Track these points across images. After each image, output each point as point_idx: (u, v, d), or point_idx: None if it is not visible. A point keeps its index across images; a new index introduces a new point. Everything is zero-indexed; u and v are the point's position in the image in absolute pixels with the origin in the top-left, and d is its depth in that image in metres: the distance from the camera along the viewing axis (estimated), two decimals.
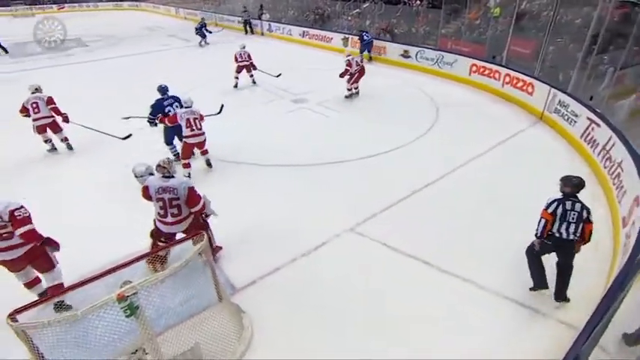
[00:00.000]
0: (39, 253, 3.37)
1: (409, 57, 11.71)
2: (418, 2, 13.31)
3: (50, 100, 6.21)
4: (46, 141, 6.52)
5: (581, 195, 3.40)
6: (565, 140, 6.71)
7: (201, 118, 5.76)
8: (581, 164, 5.90)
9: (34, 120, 6.18)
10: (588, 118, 6.04)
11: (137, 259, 2.87)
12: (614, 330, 2.65)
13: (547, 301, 3.48)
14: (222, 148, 6.54)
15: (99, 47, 16.60)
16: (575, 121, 6.47)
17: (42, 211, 3.71)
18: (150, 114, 5.96)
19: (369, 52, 12.51)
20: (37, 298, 3.52)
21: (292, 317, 3.46)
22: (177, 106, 5.93)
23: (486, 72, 9.51)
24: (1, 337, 2.85)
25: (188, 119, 5.55)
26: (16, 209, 3.22)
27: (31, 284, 3.53)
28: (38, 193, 5.31)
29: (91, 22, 24.20)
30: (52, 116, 6.27)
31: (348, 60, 8.76)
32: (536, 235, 3.39)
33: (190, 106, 5.69)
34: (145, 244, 3.92)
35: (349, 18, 15.25)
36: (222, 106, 6.38)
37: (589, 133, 5.96)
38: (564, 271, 3.36)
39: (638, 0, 6.68)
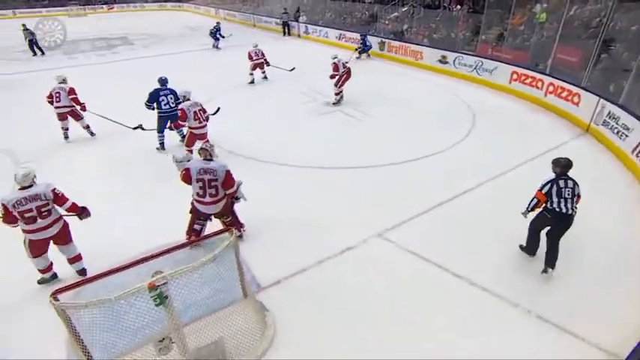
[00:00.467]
0: (63, 231, 3.72)
1: (447, 63, 11.45)
2: (459, 7, 13.02)
3: (71, 91, 6.73)
4: (63, 128, 7.08)
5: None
6: (613, 155, 6.32)
7: (203, 109, 6.07)
8: (631, 180, 5.53)
9: (56, 108, 6.78)
10: None
11: (168, 251, 2.96)
12: None
13: (591, 327, 3.29)
14: (253, 147, 6.67)
15: (142, 46, 17.39)
16: (626, 135, 6.08)
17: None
18: (146, 101, 6.45)
19: (366, 53, 13.73)
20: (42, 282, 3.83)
21: (315, 318, 3.46)
22: (171, 98, 6.44)
23: (528, 80, 9.13)
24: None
25: (195, 112, 5.90)
26: (55, 188, 3.59)
27: (47, 270, 3.81)
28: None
29: (137, 22, 25.40)
30: (73, 105, 6.80)
31: (335, 63, 8.62)
32: (526, 209, 3.90)
33: (190, 98, 6.03)
34: (166, 238, 4.04)
35: (387, 22, 15.14)
36: (219, 108, 6.56)
37: None
38: (556, 243, 3.80)
39: None
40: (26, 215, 3.44)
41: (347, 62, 8.98)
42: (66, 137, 7.17)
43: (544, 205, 3.78)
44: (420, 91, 10.11)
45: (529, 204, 3.88)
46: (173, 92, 6.53)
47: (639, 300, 3.60)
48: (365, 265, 4.09)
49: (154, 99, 6.43)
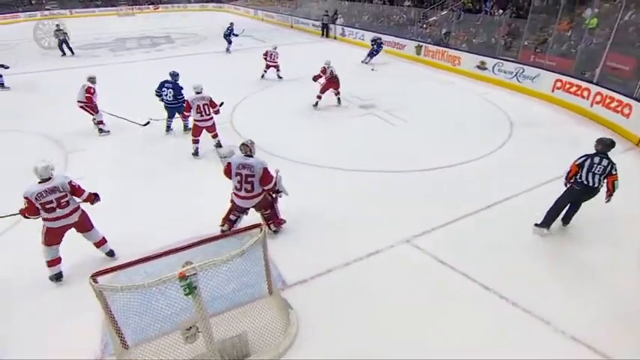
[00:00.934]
0: (82, 220, 3.90)
1: (485, 69, 11.10)
2: (501, 11, 12.60)
3: (88, 90, 7.09)
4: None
5: None
6: None
7: (211, 103, 6.29)
8: None
9: (77, 101, 7.20)
10: None
11: (199, 243, 3.03)
12: None
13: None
14: (283, 146, 6.75)
15: (183, 44, 18.04)
16: None
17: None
18: (155, 89, 7.15)
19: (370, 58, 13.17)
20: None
21: (338, 320, 3.45)
22: (170, 92, 7.00)
23: (573, 89, 8.68)
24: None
25: (198, 105, 6.19)
26: (71, 180, 3.76)
27: (55, 262, 3.88)
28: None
29: (180, 22, 26.41)
30: (85, 102, 7.16)
31: (324, 67, 8.56)
32: (565, 179, 4.32)
33: (200, 92, 6.24)
34: (196, 230, 4.21)
35: (424, 26, 14.88)
36: (222, 103, 6.68)
37: None
38: (575, 209, 4.41)
39: None
40: (47, 206, 3.64)
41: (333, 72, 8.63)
42: (100, 131, 7.46)
43: (574, 177, 4.15)
44: (456, 97, 9.86)
45: (566, 174, 4.29)
46: (175, 87, 7.05)
47: None
48: (391, 271, 4.03)
49: (159, 89, 7.12)
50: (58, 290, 3.85)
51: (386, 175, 5.95)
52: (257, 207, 4.25)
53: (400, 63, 13.46)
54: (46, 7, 31.01)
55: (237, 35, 15.76)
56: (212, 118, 6.41)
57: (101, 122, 7.45)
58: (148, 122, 7.13)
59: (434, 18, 14.57)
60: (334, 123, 8.23)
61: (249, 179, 4.01)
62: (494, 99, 9.51)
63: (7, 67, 10.67)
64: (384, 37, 15.25)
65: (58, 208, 3.68)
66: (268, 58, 11.00)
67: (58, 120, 8.02)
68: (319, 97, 8.76)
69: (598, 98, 7.96)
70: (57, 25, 15.30)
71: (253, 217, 4.37)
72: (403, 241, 4.42)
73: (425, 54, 13.33)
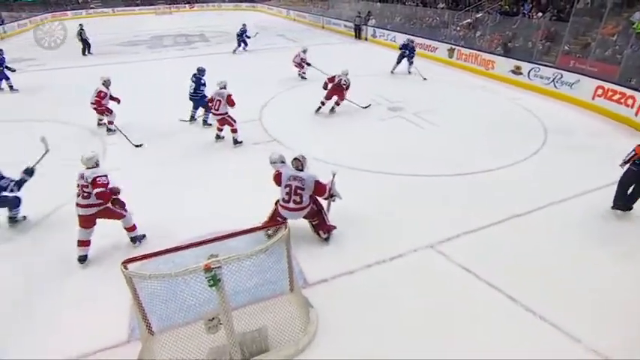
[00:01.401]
0: (108, 211, 4.12)
1: (520, 74, 10.69)
2: (540, 14, 12.10)
3: (99, 94, 7.22)
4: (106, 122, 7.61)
5: None
6: None
7: (229, 100, 6.61)
8: None
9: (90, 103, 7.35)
10: None
11: (225, 237, 3.08)
12: None
13: None
14: (312, 147, 6.76)
15: (217, 42, 18.46)
16: None
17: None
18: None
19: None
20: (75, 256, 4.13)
21: (358, 320, 3.43)
22: (192, 86, 7.57)
23: (616, 97, 8.22)
24: None
25: (214, 99, 6.65)
26: (99, 176, 3.94)
27: (82, 244, 4.12)
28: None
29: (215, 20, 27.07)
30: (95, 104, 7.31)
31: (334, 75, 8.28)
32: (623, 161, 4.65)
33: (223, 88, 6.69)
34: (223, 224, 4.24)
35: (458, 28, 14.53)
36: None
37: None
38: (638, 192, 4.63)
39: None
40: (77, 190, 4.00)
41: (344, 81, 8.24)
42: (108, 130, 7.52)
43: (634, 160, 4.44)
44: (488, 102, 9.57)
45: (626, 156, 4.59)
46: (197, 81, 7.54)
47: None
48: (413, 275, 3.96)
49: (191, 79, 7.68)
50: (95, 272, 4.04)
51: (412, 178, 5.85)
52: (305, 217, 4.25)
53: (432, 66, 13.19)
54: (91, 5, 32.60)
55: (249, 37, 15.70)
56: (222, 114, 6.67)
57: (111, 122, 7.47)
58: (141, 145, 6.98)
59: (468, 20, 14.19)
60: (361, 124, 8.17)
61: (299, 191, 4.04)
62: (528, 105, 9.15)
63: (13, 70, 10.64)
64: (416, 40, 14.92)
65: (80, 197, 3.99)
66: (296, 60, 11.05)
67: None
68: (322, 103, 8.46)
69: None
70: (80, 25, 15.49)
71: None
72: (427, 246, 4.33)
73: (457, 57, 13.01)
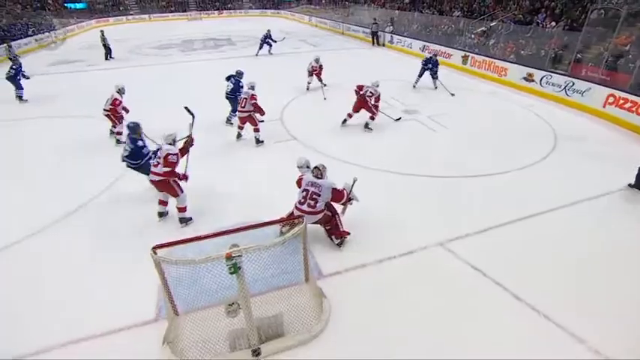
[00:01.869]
0: (168, 184, 4.46)
1: (532, 81, 10.35)
2: (554, 24, 11.68)
3: (114, 102, 6.96)
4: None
5: None
6: None
7: (252, 98, 6.67)
8: None
9: (103, 109, 7.04)
10: None
11: (246, 228, 3.09)
12: None
13: None
14: (327, 146, 6.76)
15: (243, 47, 18.57)
16: None
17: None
18: (225, 78, 7.84)
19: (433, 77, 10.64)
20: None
21: (368, 312, 3.41)
22: (229, 86, 7.69)
23: (627, 105, 7.86)
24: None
25: (241, 98, 6.80)
26: (171, 154, 4.32)
27: (160, 202, 4.66)
28: None
29: (241, 26, 27.23)
30: (109, 111, 7.01)
31: (362, 84, 7.57)
32: None
33: (251, 88, 6.82)
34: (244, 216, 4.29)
35: (472, 36, 14.18)
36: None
37: None
38: None
39: None
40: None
41: (373, 94, 7.52)
42: (117, 142, 7.09)
43: None
44: (499, 108, 9.30)
45: None
46: (235, 83, 7.64)
47: None
48: (422, 272, 3.91)
49: (227, 79, 7.79)
50: (132, 253, 4.04)
51: (424, 179, 5.76)
52: (318, 222, 4.21)
53: (446, 72, 12.92)
54: (130, 12, 33.34)
55: (275, 41, 15.72)
56: (249, 111, 6.73)
57: (120, 133, 7.02)
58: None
59: (482, 28, 13.82)
60: (376, 127, 8.06)
61: (314, 197, 4.03)
62: (539, 111, 8.85)
63: (28, 78, 10.00)
64: (432, 46, 14.63)
65: (153, 166, 4.45)
66: (310, 69, 10.29)
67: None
68: (349, 116, 7.75)
69: None
70: (101, 32, 15.54)
71: None
72: (437, 244, 4.26)
73: (471, 64, 12.71)
